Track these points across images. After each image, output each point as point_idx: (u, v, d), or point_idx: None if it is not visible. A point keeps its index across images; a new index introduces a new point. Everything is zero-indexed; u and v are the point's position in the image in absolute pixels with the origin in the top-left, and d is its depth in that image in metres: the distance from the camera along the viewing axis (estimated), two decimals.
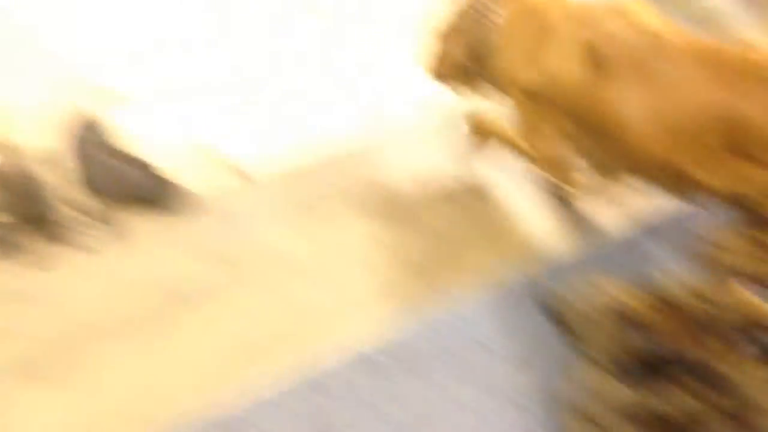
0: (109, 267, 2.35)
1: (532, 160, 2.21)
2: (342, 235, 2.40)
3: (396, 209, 2.50)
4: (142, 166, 2.42)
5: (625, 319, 1.84)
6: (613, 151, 1.95)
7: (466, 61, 2.16)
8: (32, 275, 2.28)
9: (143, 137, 2.62)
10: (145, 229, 2.45)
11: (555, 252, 2.30)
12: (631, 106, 1.81)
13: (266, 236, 2.47)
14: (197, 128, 2.90)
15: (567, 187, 2.28)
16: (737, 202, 1.78)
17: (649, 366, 1.79)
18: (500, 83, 2.14)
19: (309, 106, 3.02)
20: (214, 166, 2.81)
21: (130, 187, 2.39)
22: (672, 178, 1.86)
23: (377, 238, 2.39)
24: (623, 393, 1.77)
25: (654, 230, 2.29)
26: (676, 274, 2.00)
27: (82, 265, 2.34)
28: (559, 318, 2.02)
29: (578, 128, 1.99)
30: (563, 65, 1.90)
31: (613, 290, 1.91)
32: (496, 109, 2.33)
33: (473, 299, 2.14)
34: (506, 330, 2.09)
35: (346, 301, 2.24)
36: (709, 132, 1.72)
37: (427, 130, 2.63)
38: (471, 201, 2.49)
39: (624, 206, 2.31)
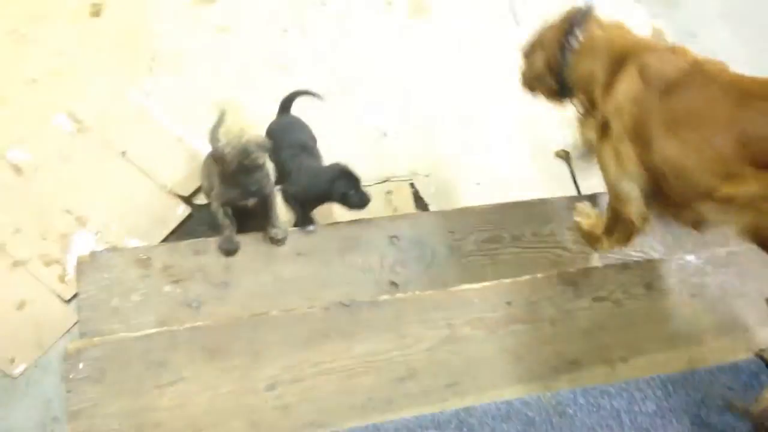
0: (286, 263, 2.46)
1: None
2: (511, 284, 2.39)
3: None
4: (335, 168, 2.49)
5: None
6: (662, 177, 2.05)
7: (546, 75, 2.34)
8: (225, 259, 2.43)
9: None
10: (325, 235, 2.54)
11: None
12: (675, 144, 1.96)
13: (436, 266, 2.52)
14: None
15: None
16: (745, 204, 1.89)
17: None
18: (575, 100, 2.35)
19: None
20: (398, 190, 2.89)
21: (320, 188, 2.47)
22: (700, 197, 1.98)
23: (546, 296, 2.37)
24: None
25: None
26: None
27: (265, 255, 2.47)
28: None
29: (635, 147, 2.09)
30: (624, 88, 2.06)
31: None
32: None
33: (641, 380, 2.11)
34: (659, 415, 2.08)
35: (510, 353, 2.24)
36: (734, 150, 1.85)
37: None
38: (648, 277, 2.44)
39: None
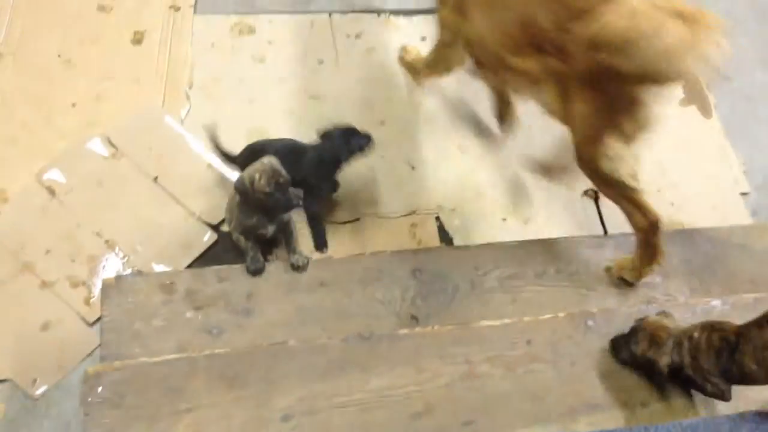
0: (307, 293, 2.48)
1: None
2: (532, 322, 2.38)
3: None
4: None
5: None
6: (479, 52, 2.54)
7: None
8: (249, 283, 2.46)
9: None
10: (348, 266, 2.55)
11: None
12: (482, 17, 2.37)
13: (457, 301, 2.51)
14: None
15: None
16: (534, 80, 2.28)
17: None
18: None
19: None
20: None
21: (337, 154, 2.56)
22: (499, 66, 2.39)
23: (567, 335, 2.35)
24: None
25: None
26: None
27: (287, 284, 2.49)
28: None
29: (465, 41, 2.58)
30: None
31: None
32: None
33: (660, 426, 2.08)
34: None
35: (528, 392, 2.23)
36: (520, 33, 2.23)
37: None
38: None
39: None
